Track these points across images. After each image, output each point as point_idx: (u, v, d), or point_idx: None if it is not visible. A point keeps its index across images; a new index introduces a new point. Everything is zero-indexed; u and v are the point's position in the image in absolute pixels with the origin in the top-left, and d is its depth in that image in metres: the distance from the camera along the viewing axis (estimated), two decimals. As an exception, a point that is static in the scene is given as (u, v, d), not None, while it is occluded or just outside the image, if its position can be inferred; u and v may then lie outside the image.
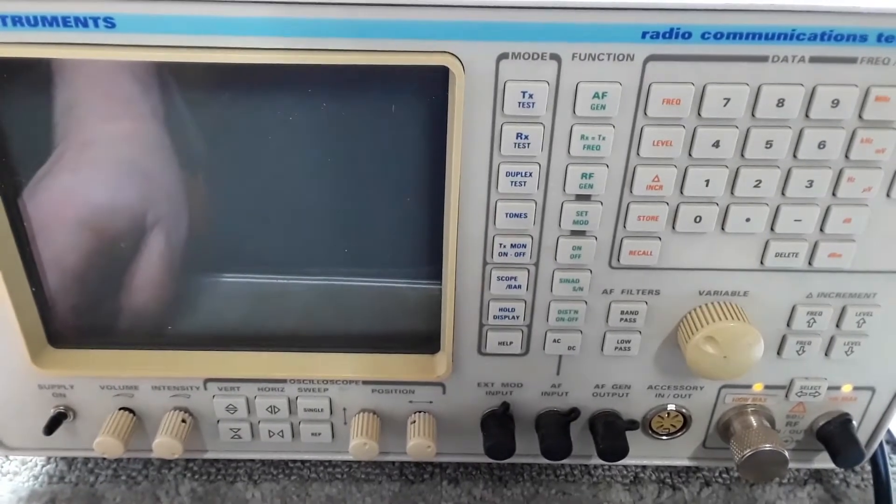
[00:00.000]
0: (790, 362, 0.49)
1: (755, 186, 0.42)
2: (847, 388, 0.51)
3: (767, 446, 0.48)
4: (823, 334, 0.48)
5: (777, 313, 0.47)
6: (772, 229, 0.43)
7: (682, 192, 0.42)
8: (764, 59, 0.38)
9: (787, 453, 0.49)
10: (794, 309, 0.47)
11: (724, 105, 0.39)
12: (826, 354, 0.49)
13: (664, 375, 0.50)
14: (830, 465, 0.52)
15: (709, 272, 0.45)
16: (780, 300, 0.46)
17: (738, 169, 0.41)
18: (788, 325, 0.47)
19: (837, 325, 0.47)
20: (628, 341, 0.48)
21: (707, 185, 0.41)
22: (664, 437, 0.53)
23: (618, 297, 0.46)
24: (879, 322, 0.47)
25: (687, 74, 0.38)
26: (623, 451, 0.50)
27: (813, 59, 0.38)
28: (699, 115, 0.39)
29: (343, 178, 0.44)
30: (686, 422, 0.52)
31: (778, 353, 0.48)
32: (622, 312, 0.46)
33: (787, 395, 0.51)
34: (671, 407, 0.52)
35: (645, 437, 0.53)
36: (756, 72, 0.38)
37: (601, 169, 0.41)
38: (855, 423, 0.52)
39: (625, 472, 0.57)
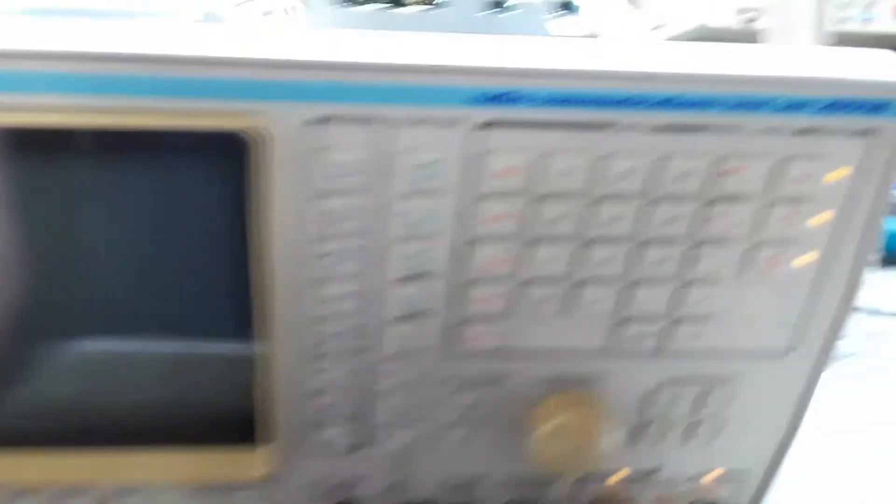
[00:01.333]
0: (651, 449, 0.45)
1: (601, 265, 0.37)
2: (714, 474, 0.47)
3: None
4: (684, 418, 0.44)
5: (633, 398, 0.43)
6: (622, 310, 0.39)
7: (523, 272, 0.37)
8: (608, 126, 0.34)
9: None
10: (650, 393, 0.43)
11: (566, 176, 0.35)
12: (689, 439, 0.45)
13: (518, 466, 0.45)
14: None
15: (556, 357, 0.41)
16: (635, 384, 0.42)
17: (583, 245, 0.37)
18: (646, 409, 0.43)
19: (699, 409, 0.44)
20: (475, 432, 0.43)
21: (550, 264, 0.37)
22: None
23: (458, 385, 0.41)
24: (743, 403, 0.43)
25: (524, 142, 0.34)
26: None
27: (659, 128, 0.34)
28: (538, 187, 0.35)
29: (150, 247, 0.38)
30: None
31: (637, 440, 0.44)
32: (463, 402, 0.41)
33: (649, 485, 0.46)
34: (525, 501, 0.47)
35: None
36: (599, 141, 0.34)
37: (431, 247, 0.36)
38: None
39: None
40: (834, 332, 0.41)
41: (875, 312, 0.69)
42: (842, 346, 0.68)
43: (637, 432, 0.44)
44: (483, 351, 0.40)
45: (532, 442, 0.41)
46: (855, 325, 0.69)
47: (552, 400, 0.41)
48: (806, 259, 0.39)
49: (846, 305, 0.41)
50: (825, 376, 0.43)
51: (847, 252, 0.39)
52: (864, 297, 0.75)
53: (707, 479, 0.47)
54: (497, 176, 0.34)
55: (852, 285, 0.40)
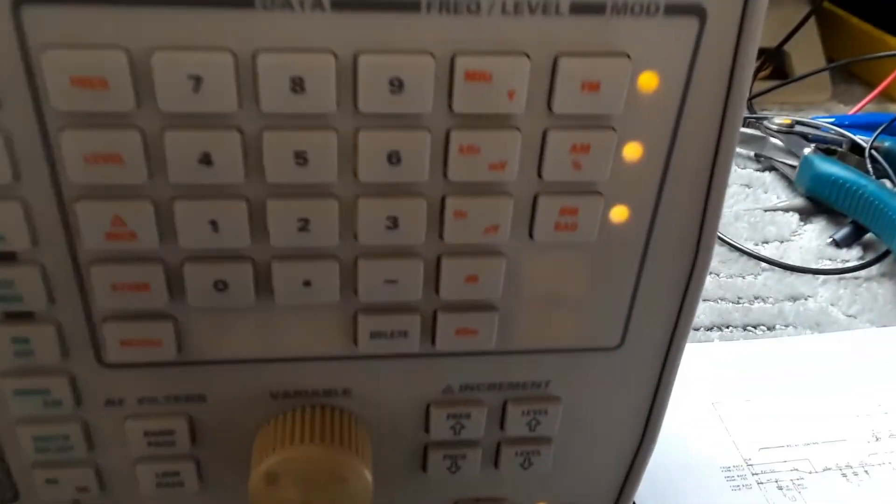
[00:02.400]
0: (445, 484, 0.32)
1: (302, 230, 0.24)
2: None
3: None
4: (483, 443, 0.31)
5: (404, 418, 0.30)
6: (356, 295, 0.26)
7: (177, 241, 0.24)
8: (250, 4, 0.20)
9: None
10: (428, 410, 0.29)
11: (201, 88, 0.21)
12: (497, 467, 0.32)
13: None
14: None
15: (277, 364, 0.27)
16: (402, 399, 0.29)
17: (264, 202, 0.23)
18: (427, 432, 0.30)
19: (501, 428, 0.30)
20: (176, 473, 0.29)
21: (220, 229, 0.23)
22: None
23: (133, 409, 0.28)
24: (561, 420, 0.30)
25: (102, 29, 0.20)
26: None
27: (336, 4, 0.21)
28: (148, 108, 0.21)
29: None
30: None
31: (424, 471, 0.31)
32: (149, 434, 0.28)
33: None
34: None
35: None
36: (245, 25, 0.21)
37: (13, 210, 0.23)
38: None
39: None
40: (675, 319, 0.28)
41: (798, 270, 0.56)
42: (756, 312, 0.56)
43: (423, 461, 0.31)
44: (157, 360, 0.26)
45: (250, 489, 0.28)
46: (775, 286, 0.56)
47: (281, 425, 0.28)
48: (615, 217, 0.26)
49: (689, 282, 0.27)
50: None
51: (677, 206, 0.26)
52: (785, 253, 0.63)
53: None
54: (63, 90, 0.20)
55: (690, 253, 0.27)
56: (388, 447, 0.30)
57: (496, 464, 0.32)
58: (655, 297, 0.28)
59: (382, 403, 0.29)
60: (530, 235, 0.26)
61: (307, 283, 0.25)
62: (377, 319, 0.27)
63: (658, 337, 0.29)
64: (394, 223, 0.24)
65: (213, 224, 0.24)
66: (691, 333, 0.54)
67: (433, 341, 0.28)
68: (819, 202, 0.63)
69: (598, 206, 0.25)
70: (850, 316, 0.55)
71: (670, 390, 0.31)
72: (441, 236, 0.25)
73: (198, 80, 0.21)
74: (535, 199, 0.25)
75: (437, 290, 0.26)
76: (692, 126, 0.24)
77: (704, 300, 0.56)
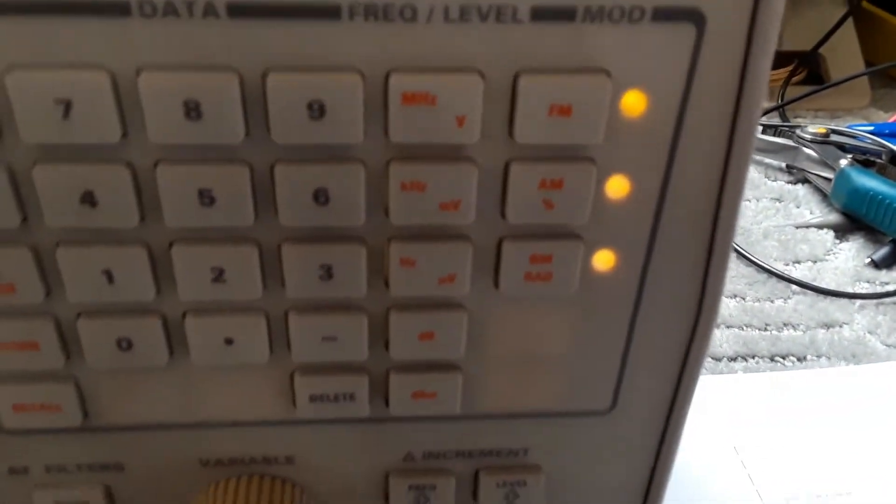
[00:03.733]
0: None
1: (217, 280, 0.20)
2: None
3: None
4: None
5: (359, 490, 0.25)
6: (289, 351, 0.21)
7: (65, 294, 0.20)
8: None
9: None
10: (387, 481, 0.25)
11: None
12: None
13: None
14: None
15: (204, 429, 0.23)
16: (356, 468, 0.25)
17: (168, 248, 0.19)
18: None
19: (475, 501, 0.26)
20: None
21: (115, 280, 0.19)
22: None
23: (40, 478, 0.24)
24: (546, 493, 0.26)
25: None
26: None
27: (235, 11, 0.16)
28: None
29: None
30: None
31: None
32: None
33: None
34: None
35: None
36: (122, 38, 0.17)
37: None
38: None
39: None
40: (677, 379, 0.24)
41: (833, 294, 0.51)
42: (785, 341, 0.51)
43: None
44: (58, 427, 0.22)
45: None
46: (806, 311, 0.51)
47: (200, 502, 0.24)
48: (599, 264, 0.21)
49: (693, 336, 0.23)
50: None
51: (674, 251, 0.21)
52: (819, 274, 0.57)
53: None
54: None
55: (693, 304, 0.22)
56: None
57: (472, 536, 0.28)
58: (652, 355, 0.23)
59: (333, 473, 0.25)
60: (496, 286, 0.21)
61: (229, 341, 0.21)
62: (317, 381, 0.22)
63: (657, 399, 0.24)
64: (328, 273, 0.20)
65: (108, 274, 0.19)
66: (712, 364, 0.49)
67: (387, 404, 0.23)
68: (856, 219, 0.57)
69: (576, 251, 0.20)
70: (889, 346, 0.50)
71: (673, 459, 0.26)
72: (387, 287, 0.21)
73: (67, 105, 0.17)
74: (499, 244, 0.20)
75: (387, 348, 0.22)
76: (691, 156, 0.19)
77: (728, 327, 0.51)
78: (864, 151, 0.60)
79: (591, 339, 0.23)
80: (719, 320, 0.49)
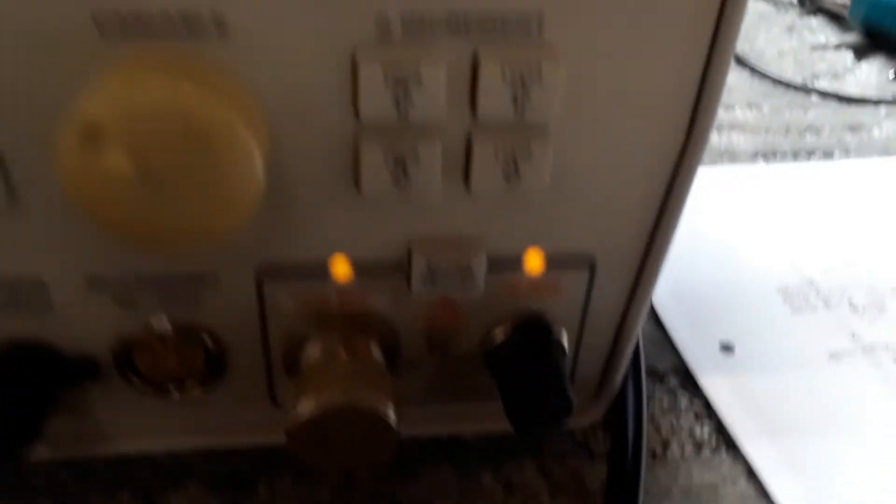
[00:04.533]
0: (388, 209, 0.22)
1: None
2: (535, 259, 0.24)
3: (350, 400, 0.21)
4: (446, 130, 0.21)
5: (312, 81, 0.20)
6: None
7: None
8: None
9: (392, 416, 0.21)
10: (356, 73, 0.20)
11: None
12: (467, 185, 0.22)
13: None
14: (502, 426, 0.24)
15: None
16: (310, 48, 0.19)
17: None
18: (355, 109, 0.20)
19: (473, 110, 0.20)
20: None
21: None
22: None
23: None
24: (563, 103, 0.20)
25: None
26: None
27: None
28: None
29: None
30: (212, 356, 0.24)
31: (357, 188, 0.21)
32: None
33: (413, 281, 0.23)
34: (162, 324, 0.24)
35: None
36: None
37: None
38: (561, 333, 0.25)
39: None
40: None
41: (858, 102, 0.45)
42: (809, 143, 0.45)
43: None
44: None
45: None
46: (831, 117, 0.46)
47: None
48: None
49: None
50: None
51: None
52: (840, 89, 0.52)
53: (520, 268, 0.23)
54: None
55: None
56: (294, 135, 0.20)
57: (467, 177, 0.22)
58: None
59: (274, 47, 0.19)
60: None
61: None
62: None
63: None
64: None
65: None
66: (729, 165, 0.44)
67: None
68: (878, 36, 0.52)
69: None
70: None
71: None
72: None
73: None
74: None
75: None
76: None
77: (743, 132, 0.46)
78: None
79: None
80: (734, 125, 0.44)
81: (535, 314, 0.24)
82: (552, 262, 0.24)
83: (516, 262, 0.24)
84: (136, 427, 0.26)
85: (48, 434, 0.23)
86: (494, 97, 0.20)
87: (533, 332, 0.24)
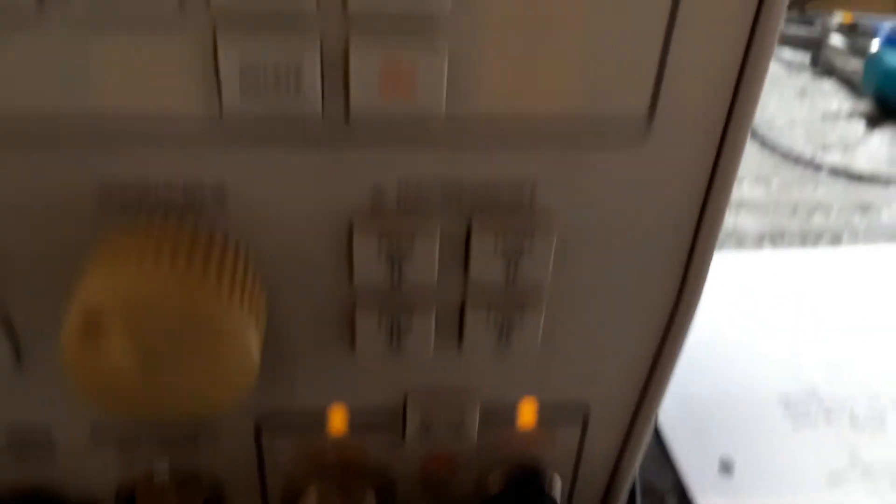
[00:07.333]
0: (384, 367, 0.22)
1: None
2: (528, 410, 0.23)
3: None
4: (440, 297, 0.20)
5: (312, 247, 0.19)
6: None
7: None
8: None
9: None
10: (351, 238, 0.19)
11: None
12: (461, 343, 0.21)
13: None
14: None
15: (98, 121, 0.17)
16: (307, 212, 0.19)
17: None
18: (350, 278, 0.20)
19: (465, 273, 0.20)
20: None
21: None
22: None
23: None
24: (554, 259, 0.20)
25: None
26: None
27: None
28: None
29: None
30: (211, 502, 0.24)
31: (352, 347, 0.21)
32: None
33: (407, 433, 0.23)
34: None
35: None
36: None
37: None
38: (553, 480, 0.25)
39: None
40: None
41: (869, 180, 0.45)
42: (817, 225, 0.44)
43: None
44: None
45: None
46: (840, 195, 0.45)
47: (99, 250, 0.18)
48: None
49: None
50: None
51: None
52: (850, 163, 0.51)
53: (514, 421, 0.23)
54: None
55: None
56: (291, 297, 0.20)
57: (460, 336, 0.21)
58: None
59: (278, 218, 0.19)
60: None
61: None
62: (248, 46, 0.16)
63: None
64: None
65: None
66: (735, 251, 0.43)
67: (347, 105, 0.17)
68: (890, 105, 0.51)
69: None
70: (935, 231, 0.44)
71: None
72: None
73: None
74: None
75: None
76: None
77: (750, 212, 0.45)
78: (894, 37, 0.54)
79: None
80: (742, 203, 0.43)
81: (529, 466, 0.24)
82: (545, 413, 0.23)
83: (510, 414, 0.23)
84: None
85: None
86: (487, 266, 0.20)
87: (525, 488, 0.23)
